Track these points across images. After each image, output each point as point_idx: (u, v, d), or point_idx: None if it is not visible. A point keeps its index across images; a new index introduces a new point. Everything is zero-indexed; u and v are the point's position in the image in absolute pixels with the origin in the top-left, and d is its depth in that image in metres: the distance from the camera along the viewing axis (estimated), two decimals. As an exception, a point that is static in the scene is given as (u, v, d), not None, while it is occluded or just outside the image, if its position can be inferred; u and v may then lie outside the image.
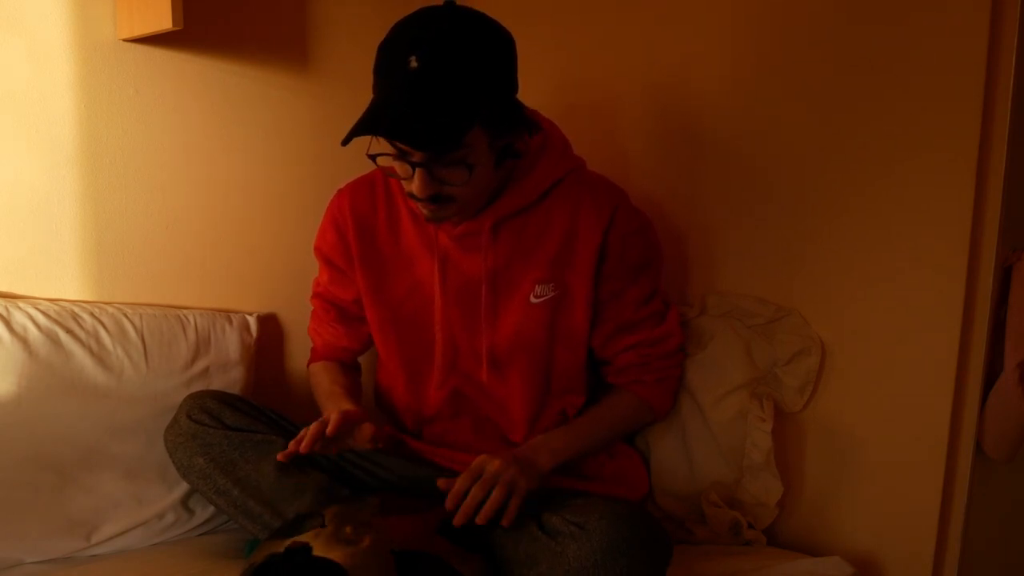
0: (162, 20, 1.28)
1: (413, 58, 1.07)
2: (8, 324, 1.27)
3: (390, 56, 1.11)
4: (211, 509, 1.39)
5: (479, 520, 1.11)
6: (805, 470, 1.41)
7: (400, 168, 1.17)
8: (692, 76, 1.50)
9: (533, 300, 1.28)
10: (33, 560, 1.26)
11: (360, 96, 1.65)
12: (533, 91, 1.20)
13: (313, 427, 1.16)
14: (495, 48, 1.13)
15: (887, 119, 1.28)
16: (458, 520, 1.12)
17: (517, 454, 1.21)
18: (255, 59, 1.54)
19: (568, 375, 1.33)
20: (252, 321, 1.52)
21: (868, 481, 1.34)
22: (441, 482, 1.15)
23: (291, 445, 1.17)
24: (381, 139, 1.13)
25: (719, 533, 1.37)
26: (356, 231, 1.33)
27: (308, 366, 1.49)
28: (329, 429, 1.15)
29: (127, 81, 1.41)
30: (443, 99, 1.08)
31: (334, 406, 1.27)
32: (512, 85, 1.17)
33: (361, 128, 1.09)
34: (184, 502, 1.38)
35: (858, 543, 1.35)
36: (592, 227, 1.26)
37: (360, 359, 1.51)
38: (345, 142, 1.09)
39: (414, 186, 1.15)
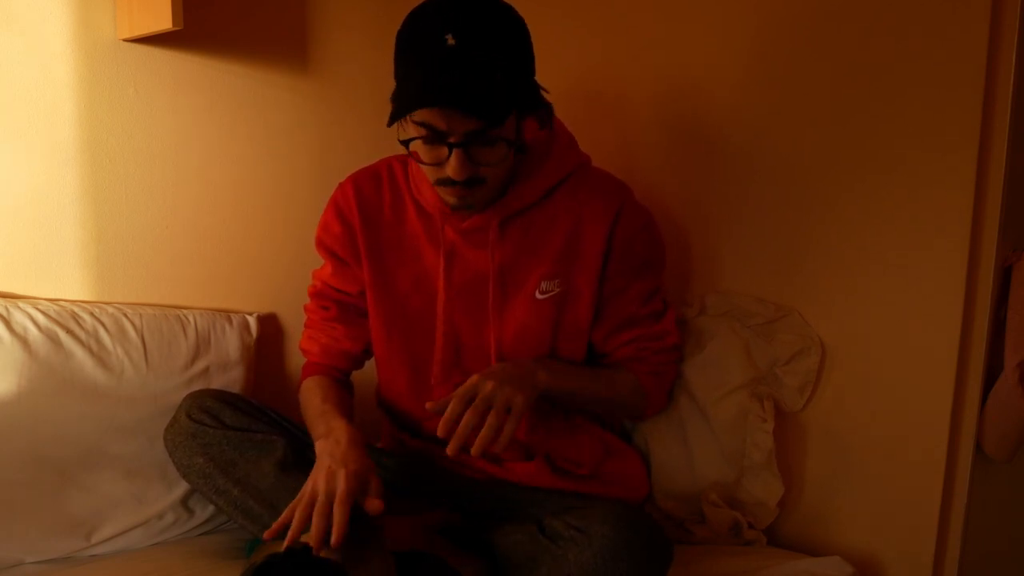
0: (162, 20, 1.28)
1: (449, 36, 1.07)
2: (8, 324, 1.27)
3: (422, 37, 1.10)
4: (211, 509, 1.39)
5: (474, 452, 1.08)
6: (805, 470, 1.41)
7: (429, 154, 1.15)
8: (699, 77, 1.50)
9: (539, 296, 1.28)
10: (33, 560, 1.26)
11: (359, 95, 1.67)
12: (544, 86, 1.21)
13: (314, 528, 1.05)
14: (519, 29, 1.14)
15: (887, 119, 1.28)
16: (451, 449, 1.07)
17: (513, 366, 1.19)
18: (255, 59, 1.54)
19: None
20: (252, 321, 1.52)
21: (868, 481, 1.34)
22: (430, 404, 1.11)
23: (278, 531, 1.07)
24: (407, 126, 1.13)
25: (719, 533, 1.37)
26: (362, 220, 1.32)
27: (299, 384, 1.39)
28: (334, 539, 1.04)
29: (127, 81, 1.41)
30: (486, 71, 1.08)
31: (325, 426, 1.22)
32: (533, 66, 1.18)
33: (412, 103, 1.08)
34: (184, 502, 1.38)
35: (858, 543, 1.35)
36: (598, 224, 1.26)
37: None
38: (391, 122, 1.09)
39: (450, 168, 1.13)
